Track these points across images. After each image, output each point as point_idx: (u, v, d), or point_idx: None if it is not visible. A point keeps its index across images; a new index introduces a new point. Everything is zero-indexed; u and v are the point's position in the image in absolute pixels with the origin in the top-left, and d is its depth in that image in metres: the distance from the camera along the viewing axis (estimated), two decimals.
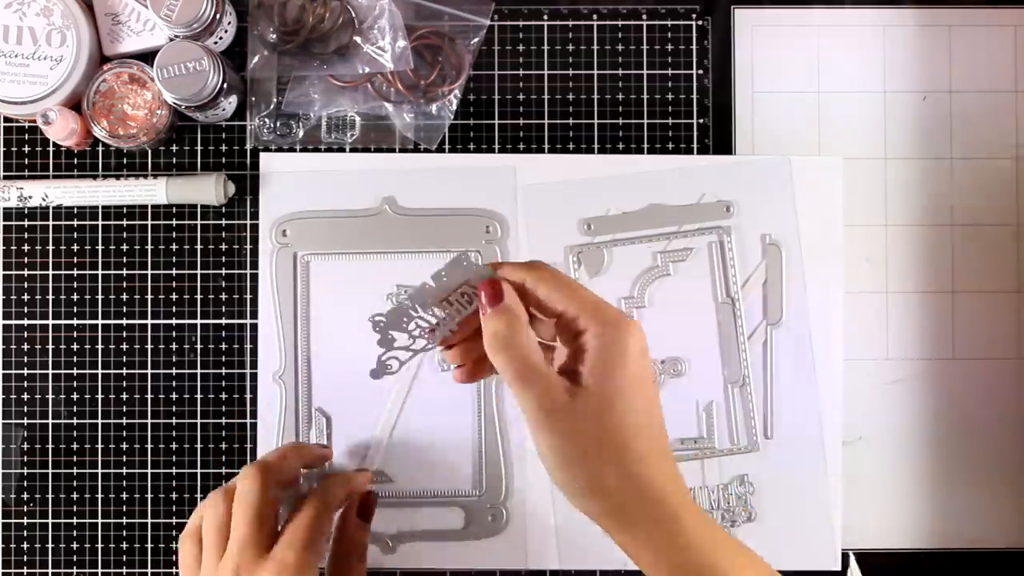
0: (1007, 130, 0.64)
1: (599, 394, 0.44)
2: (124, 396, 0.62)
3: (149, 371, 0.62)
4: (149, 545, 0.62)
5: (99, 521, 0.62)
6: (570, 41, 0.64)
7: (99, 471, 0.62)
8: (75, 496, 0.62)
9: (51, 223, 0.63)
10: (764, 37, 0.64)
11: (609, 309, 0.45)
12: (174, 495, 0.62)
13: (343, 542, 0.57)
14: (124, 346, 0.62)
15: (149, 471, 0.62)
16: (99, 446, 0.62)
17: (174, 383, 0.62)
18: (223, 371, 0.62)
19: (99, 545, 0.62)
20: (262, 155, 0.62)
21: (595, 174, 0.62)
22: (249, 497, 0.52)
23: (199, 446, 0.62)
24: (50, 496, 0.62)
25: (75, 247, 0.63)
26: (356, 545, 0.57)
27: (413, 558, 0.62)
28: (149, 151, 0.63)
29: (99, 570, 0.62)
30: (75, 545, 0.62)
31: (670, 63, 0.64)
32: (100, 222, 0.63)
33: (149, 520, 0.62)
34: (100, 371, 0.62)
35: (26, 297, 0.62)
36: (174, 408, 0.62)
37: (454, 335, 0.47)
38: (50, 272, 0.62)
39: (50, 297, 0.62)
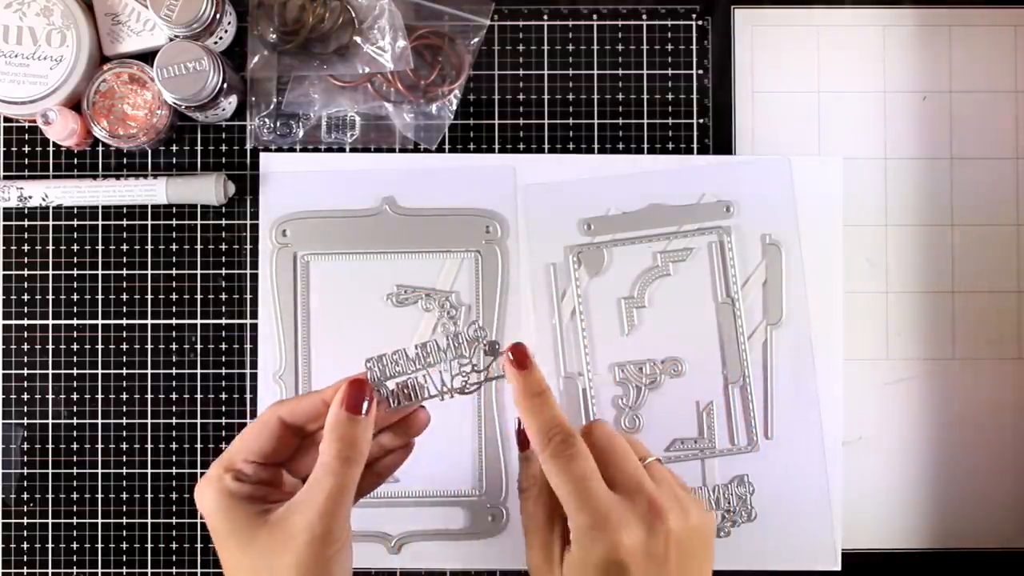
0: (1007, 130, 0.64)
1: (569, 567, 0.44)
2: (124, 396, 0.62)
3: (149, 371, 0.62)
4: (149, 545, 0.62)
5: (99, 521, 0.62)
6: (570, 41, 0.64)
7: (99, 471, 0.62)
8: (75, 496, 0.62)
9: (51, 223, 0.63)
10: (764, 37, 0.64)
11: (595, 505, 0.44)
12: (174, 495, 0.62)
13: (324, 445, 0.46)
14: (124, 346, 0.62)
15: (149, 471, 0.62)
16: (99, 446, 0.62)
17: (174, 383, 0.62)
18: (223, 371, 0.62)
19: (99, 545, 0.62)
20: (262, 155, 0.62)
21: (595, 174, 0.62)
22: (247, 426, 0.48)
23: (199, 446, 0.62)
24: (50, 496, 0.62)
25: (75, 247, 0.63)
26: (342, 447, 0.45)
27: (413, 558, 0.62)
28: (149, 151, 0.63)
29: (99, 570, 0.62)
30: (75, 545, 0.62)
31: (670, 63, 0.64)
32: (100, 222, 0.63)
33: (149, 520, 0.62)
34: (100, 371, 0.62)
35: (26, 297, 0.62)
36: (174, 408, 0.62)
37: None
38: (50, 272, 0.62)
39: (50, 297, 0.62)
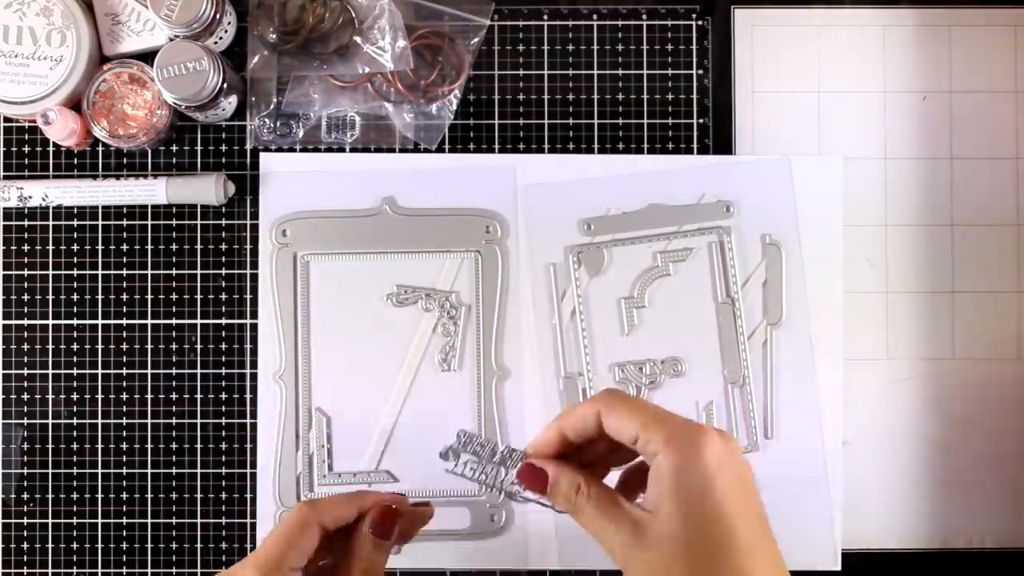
0: (1007, 130, 0.64)
1: (666, 519, 0.43)
2: (124, 396, 0.62)
3: (149, 371, 0.62)
4: (149, 545, 0.62)
5: (99, 521, 0.62)
6: (570, 41, 0.64)
7: (99, 471, 0.62)
8: (75, 496, 0.62)
9: (51, 223, 0.63)
10: (764, 37, 0.64)
11: (664, 420, 0.44)
12: (174, 495, 0.62)
13: (351, 562, 0.49)
14: (124, 346, 0.62)
15: (149, 471, 0.62)
16: (99, 446, 0.62)
17: (174, 383, 0.62)
18: (223, 371, 0.62)
19: (99, 545, 0.62)
20: (262, 155, 0.62)
21: (595, 174, 0.62)
22: (283, 525, 0.49)
23: (199, 446, 0.62)
24: (50, 496, 0.62)
25: (75, 247, 0.63)
26: (367, 567, 0.49)
27: (413, 558, 0.62)
28: (149, 151, 0.63)
29: (99, 570, 0.62)
30: (75, 545, 0.62)
31: (670, 63, 0.64)
32: (100, 222, 0.63)
33: (149, 520, 0.62)
34: (100, 371, 0.62)
35: (26, 297, 0.62)
36: (174, 408, 0.62)
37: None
38: (50, 272, 0.62)
39: (50, 297, 0.62)
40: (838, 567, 0.62)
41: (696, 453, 0.43)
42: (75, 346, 0.62)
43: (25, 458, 0.62)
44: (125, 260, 0.63)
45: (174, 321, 0.62)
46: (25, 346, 0.62)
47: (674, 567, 0.43)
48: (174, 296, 0.63)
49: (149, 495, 0.62)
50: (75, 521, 0.62)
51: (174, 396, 0.62)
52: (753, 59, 0.64)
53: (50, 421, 0.62)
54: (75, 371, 0.62)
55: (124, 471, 0.62)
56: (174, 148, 0.63)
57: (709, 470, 0.43)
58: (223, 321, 0.62)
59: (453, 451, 0.50)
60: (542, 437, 0.48)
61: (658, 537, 0.43)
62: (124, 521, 0.62)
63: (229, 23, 0.61)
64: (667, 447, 0.43)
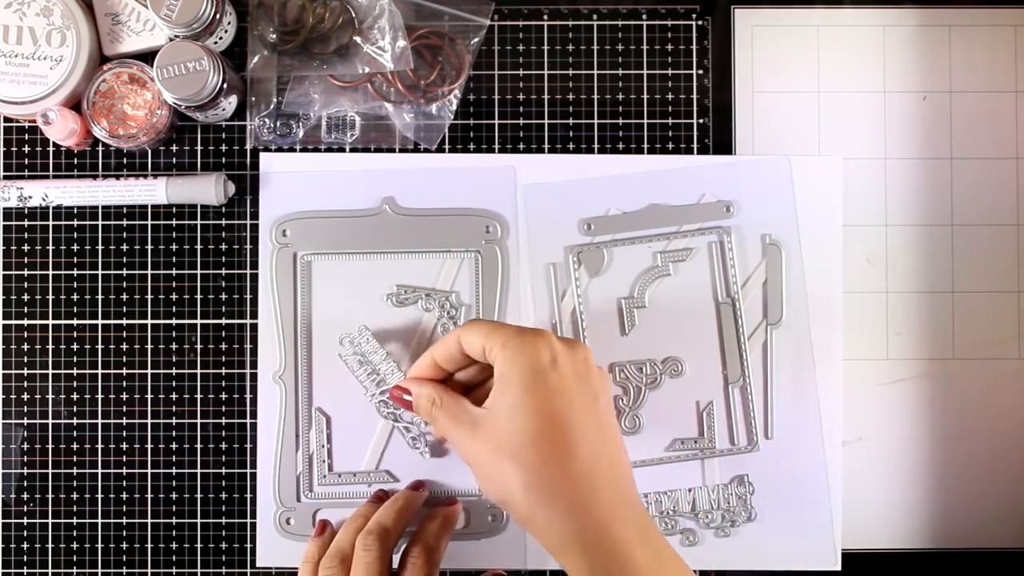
0: (1007, 130, 0.64)
1: (496, 412, 0.48)
2: (124, 396, 0.62)
3: (149, 371, 0.62)
4: (149, 545, 0.62)
5: (99, 521, 0.62)
6: (570, 41, 0.64)
7: (99, 471, 0.62)
8: (75, 496, 0.62)
9: (51, 223, 0.63)
10: (764, 37, 0.64)
11: (504, 329, 0.49)
12: (174, 495, 0.62)
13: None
14: (124, 346, 0.62)
15: (149, 471, 0.62)
16: (99, 446, 0.62)
17: (174, 383, 0.62)
18: (223, 371, 0.62)
19: (99, 545, 0.62)
20: (262, 155, 0.62)
21: (595, 174, 0.62)
22: (372, 569, 0.52)
23: (199, 446, 0.62)
24: (50, 496, 0.62)
25: (75, 247, 0.63)
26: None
27: None
28: (149, 151, 0.63)
29: (99, 570, 0.62)
30: (75, 545, 0.62)
31: (670, 63, 0.64)
32: (100, 222, 0.63)
33: (149, 520, 0.62)
34: (100, 371, 0.62)
35: (26, 297, 0.62)
36: (174, 408, 0.62)
37: None
38: (50, 272, 0.62)
39: (50, 297, 0.62)
40: (838, 567, 0.62)
41: (527, 352, 0.48)
42: (75, 346, 0.62)
43: (25, 458, 0.62)
44: (125, 260, 0.63)
45: (174, 321, 0.62)
46: (25, 346, 0.62)
47: (499, 454, 0.47)
48: (174, 296, 0.63)
49: (149, 495, 0.62)
50: (75, 521, 0.62)
51: (174, 396, 0.62)
52: (753, 59, 0.64)
53: (50, 421, 0.62)
54: (75, 371, 0.62)
55: (124, 471, 0.62)
56: (174, 148, 0.63)
57: (539, 365, 0.48)
58: (223, 321, 0.62)
59: (351, 341, 0.54)
60: (418, 364, 0.54)
61: (489, 429, 0.48)
62: (124, 521, 0.62)
63: (229, 23, 0.61)
64: (503, 349, 0.48)
